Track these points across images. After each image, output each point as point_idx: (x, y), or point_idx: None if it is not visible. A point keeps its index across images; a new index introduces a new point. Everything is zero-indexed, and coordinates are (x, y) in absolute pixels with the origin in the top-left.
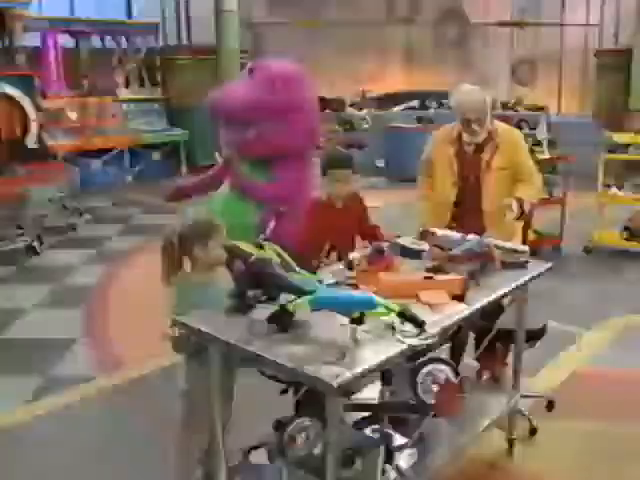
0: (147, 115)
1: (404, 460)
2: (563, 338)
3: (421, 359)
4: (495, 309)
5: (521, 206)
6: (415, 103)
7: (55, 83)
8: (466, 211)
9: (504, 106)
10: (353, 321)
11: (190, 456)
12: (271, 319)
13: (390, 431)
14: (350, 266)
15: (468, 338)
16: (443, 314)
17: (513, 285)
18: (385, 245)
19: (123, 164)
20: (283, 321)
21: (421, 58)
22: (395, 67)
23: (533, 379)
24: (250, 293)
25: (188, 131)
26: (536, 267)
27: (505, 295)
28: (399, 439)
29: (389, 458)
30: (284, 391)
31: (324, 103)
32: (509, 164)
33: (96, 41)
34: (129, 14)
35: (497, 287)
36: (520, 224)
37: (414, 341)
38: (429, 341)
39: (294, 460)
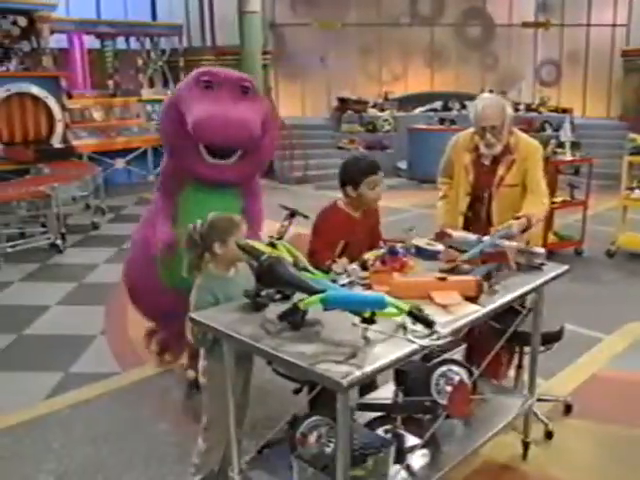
0: None
1: (416, 461)
2: (583, 342)
3: (435, 360)
4: (513, 312)
5: (528, 222)
6: (438, 105)
7: (81, 84)
8: (476, 221)
9: (527, 107)
10: (364, 320)
11: (211, 450)
12: (282, 316)
13: (402, 431)
14: (364, 266)
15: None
16: (455, 315)
17: (528, 287)
18: (399, 246)
19: (146, 164)
20: (294, 318)
21: (444, 59)
22: (418, 68)
23: (551, 382)
24: (264, 292)
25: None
26: (553, 269)
27: (519, 297)
28: (411, 439)
29: (401, 458)
30: (298, 390)
31: (346, 104)
32: (521, 180)
33: (121, 42)
34: (154, 16)
35: (511, 289)
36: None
37: (425, 341)
38: (440, 342)
39: (305, 458)
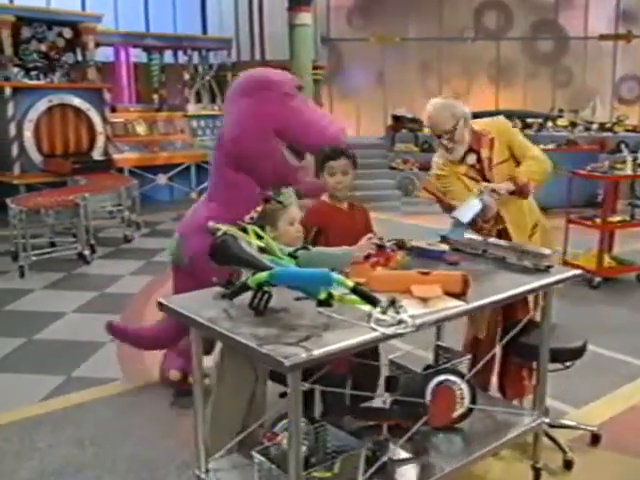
0: (216, 132)
1: (402, 472)
2: (628, 372)
3: (433, 369)
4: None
5: (516, 184)
6: None
7: (126, 97)
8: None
9: (601, 127)
10: (320, 303)
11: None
12: (232, 294)
13: (386, 440)
14: None
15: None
16: (433, 308)
17: (524, 288)
18: (391, 243)
19: (189, 180)
20: (239, 294)
21: (510, 76)
22: (481, 85)
23: (582, 411)
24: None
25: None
26: (561, 272)
27: (511, 298)
28: (400, 451)
29: (384, 469)
30: (284, 394)
31: (401, 123)
32: (508, 155)
33: (168, 56)
34: (204, 29)
35: (505, 289)
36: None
37: (388, 330)
38: (406, 331)
39: (267, 454)
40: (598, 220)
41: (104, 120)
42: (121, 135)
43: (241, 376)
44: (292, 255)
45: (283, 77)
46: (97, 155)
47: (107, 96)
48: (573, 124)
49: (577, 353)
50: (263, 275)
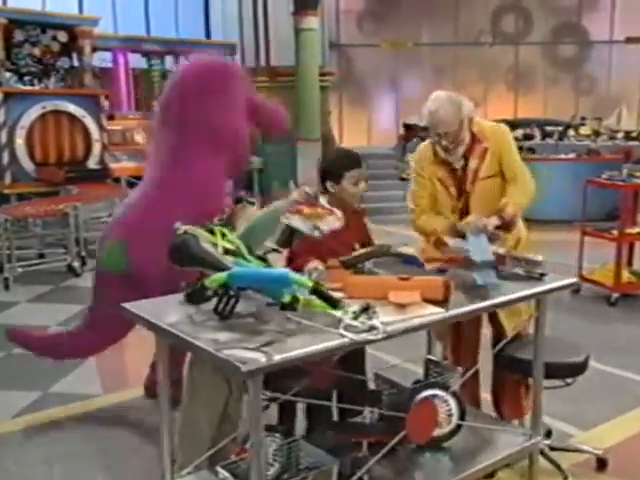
0: None
1: None
2: None
3: (420, 384)
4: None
5: (502, 217)
6: (519, 133)
7: (124, 104)
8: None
9: (626, 135)
10: (284, 307)
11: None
12: (189, 296)
13: (364, 457)
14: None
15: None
16: (409, 315)
17: (512, 296)
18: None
19: None
20: (199, 296)
21: (530, 82)
22: (499, 92)
23: (590, 433)
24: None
25: (262, 159)
26: (555, 280)
27: (499, 306)
28: (379, 469)
29: None
30: (264, 407)
31: (413, 131)
32: (497, 170)
33: (170, 62)
34: (207, 34)
35: (492, 296)
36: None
37: (356, 336)
38: (376, 337)
39: (232, 469)
40: (615, 232)
41: (101, 128)
42: (119, 144)
43: (212, 389)
44: (261, 258)
45: (232, 64)
46: (93, 164)
47: (104, 103)
48: (596, 133)
49: (577, 369)
50: (221, 276)
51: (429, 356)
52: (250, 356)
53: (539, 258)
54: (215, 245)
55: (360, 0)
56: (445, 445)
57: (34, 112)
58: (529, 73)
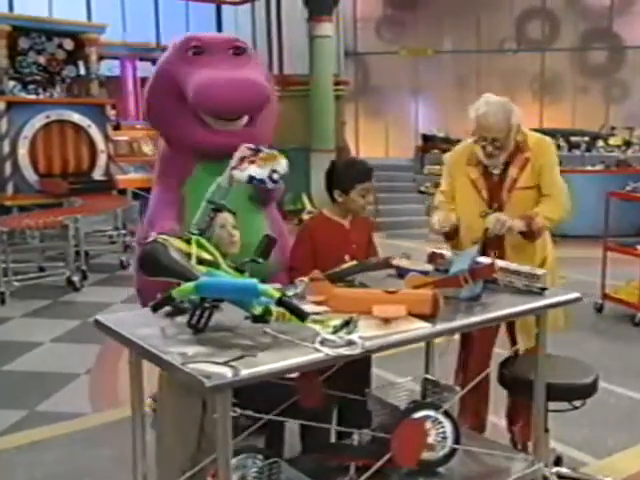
0: None
1: None
2: None
3: (412, 404)
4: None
5: (529, 224)
6: None
7: (131, 114)
8: (496, 247)
9: None
10: (255, 319)
11: None
12: (155, 307)
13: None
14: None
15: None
16: (393, 330)
17: (508, 311)
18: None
19: None
20: (197, 321)
21: (557, 91)
22: (524, 101)
23: (605, 462)
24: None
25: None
26: (557, 295)
27: (493, 321)
28: None
29: None
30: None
31: (431, 143)
32: (535, 182)
33: None
34: None
35: (486, 311)
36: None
37: (332, 351)
38: (354, 352)
39: None
40: None
41: (106, 138)
42: (125, 154)
43: (183, 407)
44: (239, 269)
45: (191, 34)
46: (98, 175)
47: (110, 112)
48: (627, 143)
49: (584, 391)
50: (189, 286)
51: (427, 375)
52: (216, 371)
53: (540, 271)
54: (189, 255)
55: (378, 6)
56: (439, 470)
57: (38, 122)
58: (556, 81)
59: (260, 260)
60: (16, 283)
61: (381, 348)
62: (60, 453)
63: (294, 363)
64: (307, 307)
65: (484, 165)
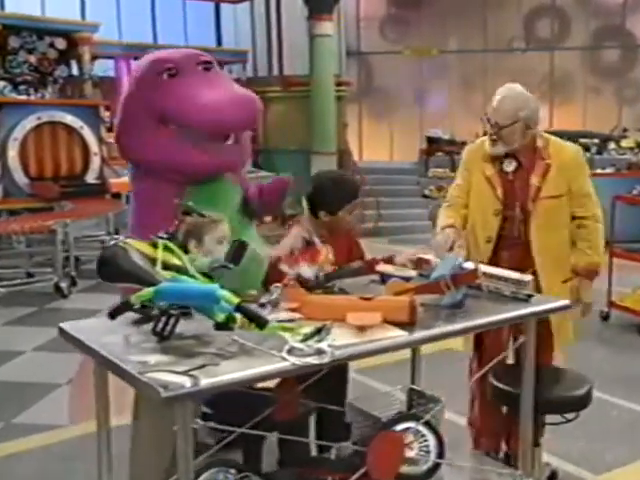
0: None
1: None
2: None
3: (394, 416)
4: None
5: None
6: None
7: None
8: (509, 247)
9: None
10: (218, 326)
11: None
12: (111, 314)
13: None
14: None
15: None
16: (368, 338)
17: (492, 319)
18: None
19: None
20: (162, 329)
21: (567, 91)
22: None
23: (603, 477)
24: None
25: (276, 175)
26: (543, 303)
27: (477, 329)
28: None
29: None
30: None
31: (436, 145)
32: (564, 191)
33: None
34: (219, 41)
35: (466, 319)
36: None
37: (299, 360)
38: (322, 362)
39: None
40: None
41: (100, 140)
42: (120, 157)
43: (159, 424)
44: (207, 275)
45: (158, 56)
46: (91, 179)
47: (104, 114)
48: None
49: (576, 403)
50: (148, 291)
51: (412, 386)
52: (175, 380)
53: (526, 277)
54: (154, 259)
55: (382, 5)
56: None
57: (28, 123)
58: (566, 81)
59: (231, 266)
60: (2, 289)
61: (351, 357)
62: (34, 466)
63: (258, 372)
64: (281, 314)
65: (500, 162)
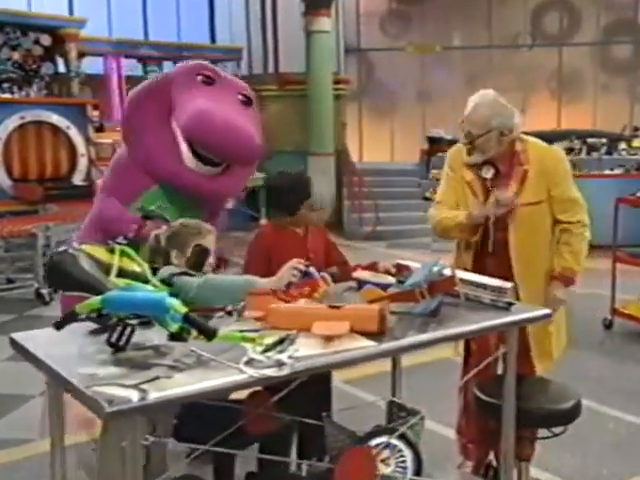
0: None
1: None
2: None
3: (370, 430)
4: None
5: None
6: (563, 146)
7: (116, 115)
8: (489, 255)
9: None
10: (172, 337)
11: None
12: (57, 324)
13: None
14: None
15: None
16: (333, 349)
17: (468, 328)
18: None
19: None
20: (117, 339)
21: (576, 88)
22: (541, 100)
23: None
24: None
25: (269, 176)
26: (524, 311)
27: (451, 339)
28: None
29: None
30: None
31: (438, 146)
32: (544, 197)
33: (168, 68)
34: (212, 38)
35: (441, 328)
36: None
37: (256, 372)
38: (281, 374)
39: None
40: None
41: (87, 140)
42: (108, 158)
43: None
44: (166, 282)
45: (201, 63)
46: (78, 180)
47: (92, 113)
48: None
49: (562, 416)
50: (95, 300)
51: (393, 398)
52: (122, 394)
53: (507, 285)
54: (110, 266)
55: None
56: None
57: (11, 123)
58: (575, 78)
59: (192, 272)
60: None
61: (314, 369)
62: None
63: (211, 386)
64: (245, 324)
65: (478, 169)
